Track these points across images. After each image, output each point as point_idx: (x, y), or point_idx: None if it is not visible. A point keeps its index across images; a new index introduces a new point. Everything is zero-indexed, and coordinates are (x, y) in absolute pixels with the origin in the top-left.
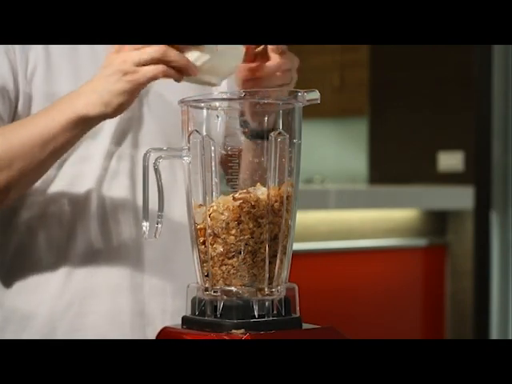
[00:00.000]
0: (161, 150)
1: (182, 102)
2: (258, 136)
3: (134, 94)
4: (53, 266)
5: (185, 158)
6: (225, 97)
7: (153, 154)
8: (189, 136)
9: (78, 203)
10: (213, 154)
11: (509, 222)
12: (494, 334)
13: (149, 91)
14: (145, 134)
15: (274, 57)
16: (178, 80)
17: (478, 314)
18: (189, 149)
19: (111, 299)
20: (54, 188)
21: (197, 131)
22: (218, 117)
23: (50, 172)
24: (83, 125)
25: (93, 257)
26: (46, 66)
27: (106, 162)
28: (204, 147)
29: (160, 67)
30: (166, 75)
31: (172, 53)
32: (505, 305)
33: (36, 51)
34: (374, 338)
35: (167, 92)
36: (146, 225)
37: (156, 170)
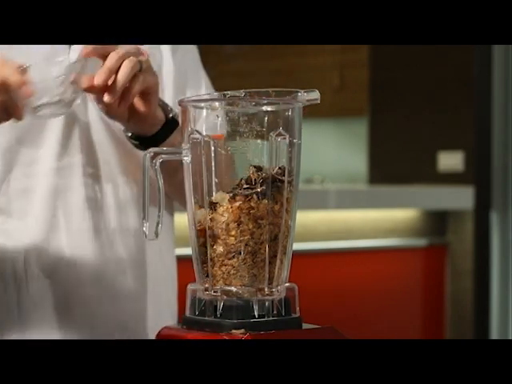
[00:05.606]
0: (161, 149)
1: (181, 101)
2: (143, 143)
3: None
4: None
5: (185, 158)
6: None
7: (153, 154)
8: (189, 136)
9: (27, 219)
10: (213, 154)
11: (509, 222)
12: (494, 334)
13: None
14: (95, 142)
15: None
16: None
17: (478, 314)
18: (189, 149)
19: None
20: None
21: (197, 131)
22: (217, 117)
23: None
24: None
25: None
26: None
27: (55, 176)
28: (204, 147)
29: None
30: None
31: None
32: (505, 305)
33: None
34: (374, 338)
35: None
36: (146, 225)
37: (156, 170)
